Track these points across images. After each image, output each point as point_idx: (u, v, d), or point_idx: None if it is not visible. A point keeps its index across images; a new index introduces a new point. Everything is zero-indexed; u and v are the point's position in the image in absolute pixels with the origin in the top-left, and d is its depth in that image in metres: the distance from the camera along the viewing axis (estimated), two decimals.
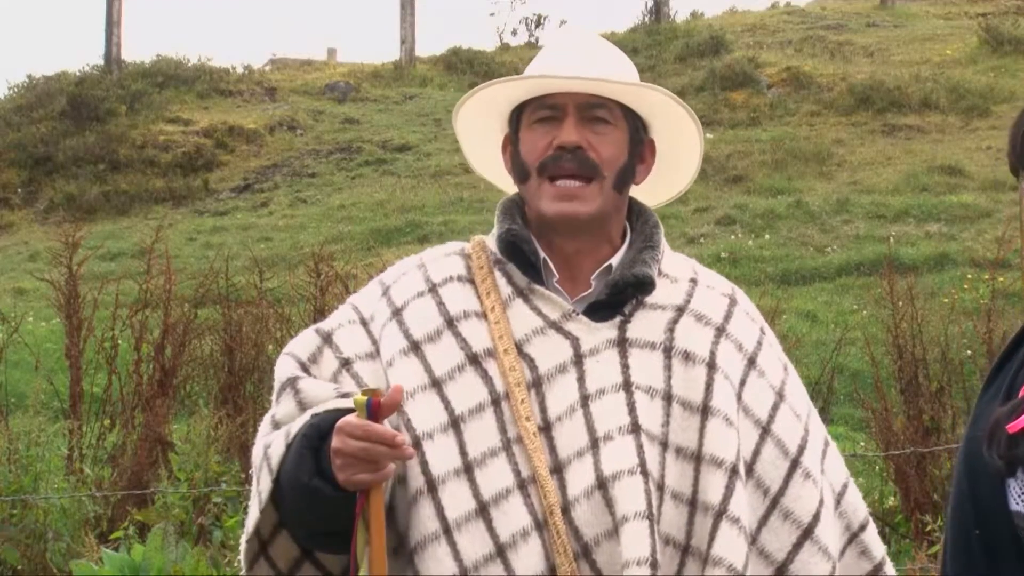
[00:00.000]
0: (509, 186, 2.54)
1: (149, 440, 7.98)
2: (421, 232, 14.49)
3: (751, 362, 2.43)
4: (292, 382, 2.38)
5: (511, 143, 2.48)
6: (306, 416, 2.32)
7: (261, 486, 2.33)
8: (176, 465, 7.42)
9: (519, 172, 2.44)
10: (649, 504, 2.26)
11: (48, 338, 11.13)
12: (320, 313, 8.35)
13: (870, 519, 2.53)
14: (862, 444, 9.14)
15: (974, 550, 2.10)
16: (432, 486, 2.28)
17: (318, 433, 2.26)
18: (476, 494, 2.27)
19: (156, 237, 9.14)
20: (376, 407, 2.21)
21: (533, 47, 23.07)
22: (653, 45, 20.75)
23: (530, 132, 2.42)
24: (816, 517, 2.39)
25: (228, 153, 18.35)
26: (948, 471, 7.64)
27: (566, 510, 2.26)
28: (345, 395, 2.33)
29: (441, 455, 2.28)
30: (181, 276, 9.51)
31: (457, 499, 2.27)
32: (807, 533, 2.38)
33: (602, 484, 2.27)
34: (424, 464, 2.28)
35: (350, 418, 2.22)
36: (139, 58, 20.66)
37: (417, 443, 2.29)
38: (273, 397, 2.43)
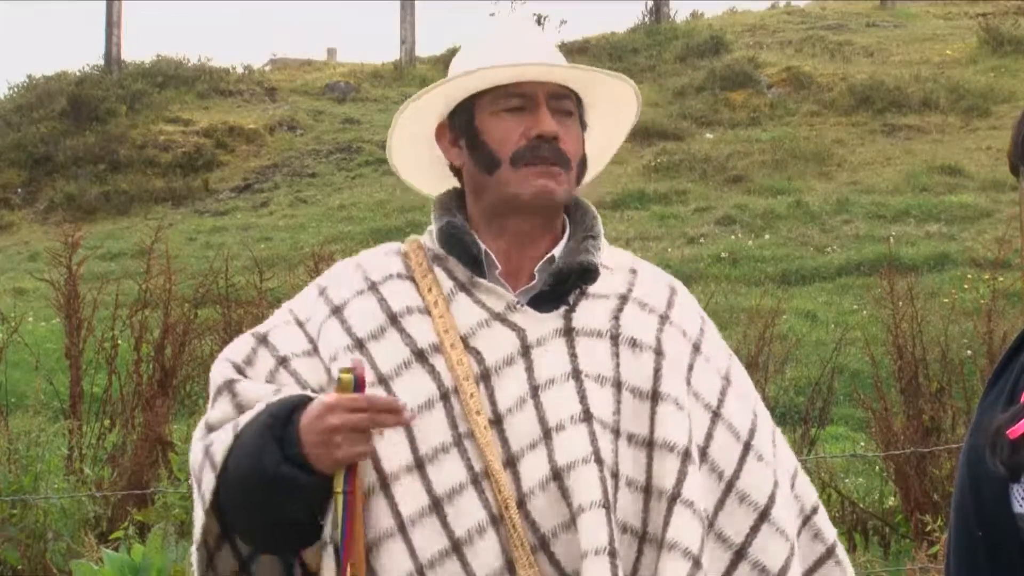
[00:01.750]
0: (432, 188, 2.53)
1: (149, 440, 7.99)
2: (421, 232, 14.45)
3: (696, 348, 2.42)
4: (228, 385, 2.35)
5: (457, 133, 2.43)
6: (251, 412, 2.29)
7: (204, 487, 2.30)
8: (176, 465, 7.42)
9: (485, 162, 2.39)
10: (605, 493, 2.25)
11: (48, 338, 11.13)
12: None
13: (820, 503, 2.52)
14: (862, 444, 9.15)
15: (977, 553, 2.10)
16: (385, 483, 2.26)
17: (280, 422, 2.23)
18: (429, 490, 2.25)
19: (156, 237, 9.13)
20: (362, 382, 2.20)
21: None
22: (653, 45, 20.76)
23: (496, 120, 2.38)
24: (772, 499, 2.39)
25: (228, 153, 18.36)
26: (948, 471, 7.64)
27: (521, 503, 2.25)
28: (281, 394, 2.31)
29: (392, 451, 2.26)
30: (181, 276, 9.51)
31: (410, 495, 2.25)
32: (764, 515, 2.37)
33: (557, 475, 2.25)
34: (376, 460, 2.26)
35: (341, 395, 2.20)
36: (139, 58, 20.69)
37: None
38: (209, 403, 2.40)
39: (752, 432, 2.42)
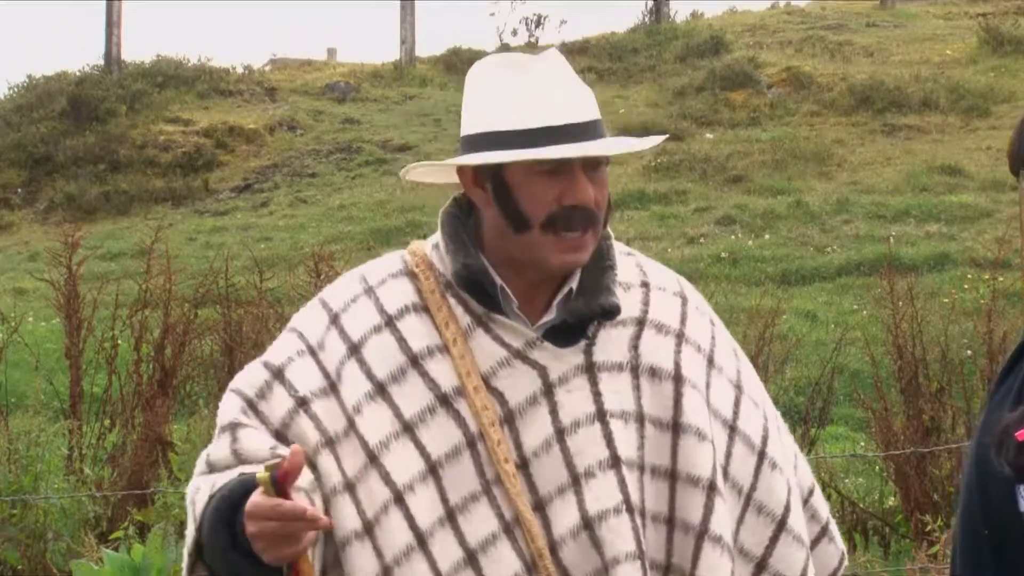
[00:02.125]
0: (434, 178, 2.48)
1: (149, 440, 7.98)
2: (421, 232, 14.47)
3: (710, 362, 2.40)
4: (233, 428, 2.31)
5: (490, 180, 2.33)
6: (225, 478, 2.25)
7: (188, 529, 2.30)
8: (176, 465, 7.42)
9: (514, 221, 2.30)
10: (638, 543, 2.24)
11: (48, 338, 11.13)
12: None
13: (815, 482, 2.53)
14: (862, 444, 9.14)
15: (983, 552, 2.10)
16: (422, 540, 2.23)
17: (228, 505, 2.20)
18: (462, 542, 2.23)
19: (156, 237, 9.13)
20: (283, 479, 2.12)
21: (533, 47, 23.07)
22: (653, 45, 20.74)
23: (529, 181, 2.29)
24: (787, 508, 2.39)
25: (228, 153, 18.35)
26: (948, 471, 7.64)
27: (553, 551, 2.23)
28: (278, 456, 2.24)
29: (424, 505, 2.23)
30: (181, 276, 9.50)
31: (446, 551, 2.23)
32: (781, 525, 2.38)
33: (588, 524, 2.23)
34: (411, 519, 2.23)
35: (258, 500, 2.13)
36: (139, 58, 20.66)
37: (400, 497, 2.24)
38: (215, 432, 2.36)
39: (765, 439, 2.41)
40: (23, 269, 14.58)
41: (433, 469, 2.25)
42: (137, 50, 48.61)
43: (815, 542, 2.49)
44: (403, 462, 2.25)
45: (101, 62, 20.12)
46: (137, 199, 17.41)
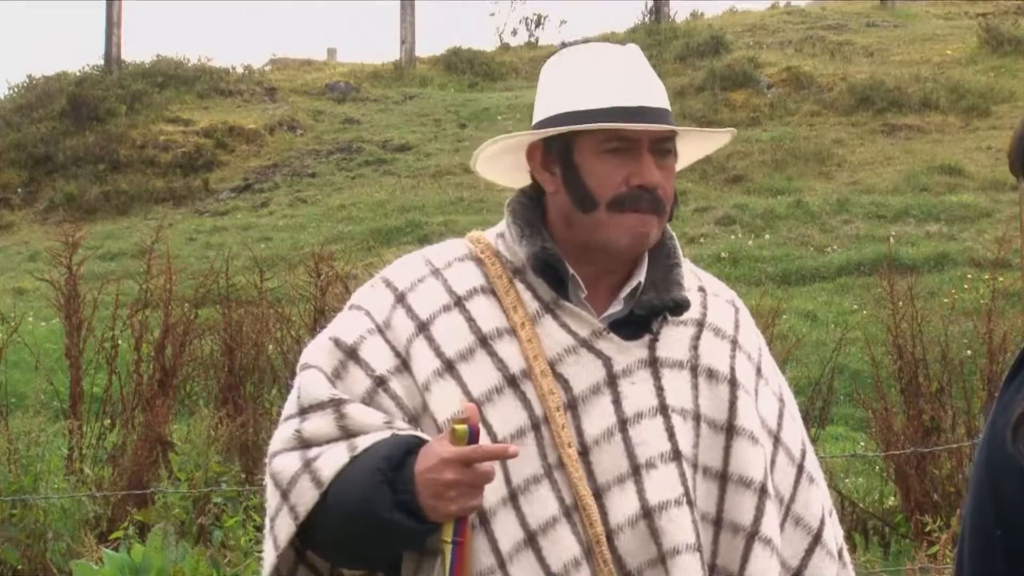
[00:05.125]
0: (513, 182, 2.48)
1: (149, 440, 7.98)
2: (421, 232, 14.48)
3: (758, 371, 2.43)
4: (336, 404, 2.28)
5: (552, 158, 2.37)
6: (369, 440, 2.24)
7: (295, 499, 2.25)
8: (176, 465, 7.42)
9: (581, 200, 2.33)
10: (697, 536, 2.26)
11: (48, 338, 11.13)
12: (320, 313, 8.36)
13: (833, 508, 2.55)
14: (862, 444, 9.14)
15: (995, 550, 2.08)
16: (484, 518, 2.24)
17: (391, 465, 2.19)
18: (524, 523, 2.24)
19: (156, 237, 9.13)
20: (477, 434, 2.17)
21: (533, 47, 23.08)
22: (653, 45, 20.74)
23: (598, 160, 2.32)
24: (822, 522, 2.43)
25: (228, 153, 18.35)
26: (948, 471, 7.64)
27: (609, 538, 2.25)
28: (396, 429, 2.26)
29: (489, 485, 2.22)
30: (181, 276, 9.49)
31: (507, 529, 2.24)
32: (817, 538, 2.41)
33: (647, 513, 2.25)
34: None
35: (456, 447, 2.16)
36: (139, 58, 20.68)
37: None
38: (292, 407, 2.33)
39: (803, 453, 2.44)
40: (23, 269, 14.58)
41: None
42: (137, 50, 48.68)
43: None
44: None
45: (101, 62, 20.13)
46: (137, 199, 17.41)
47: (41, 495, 7.27)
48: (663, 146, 2.35)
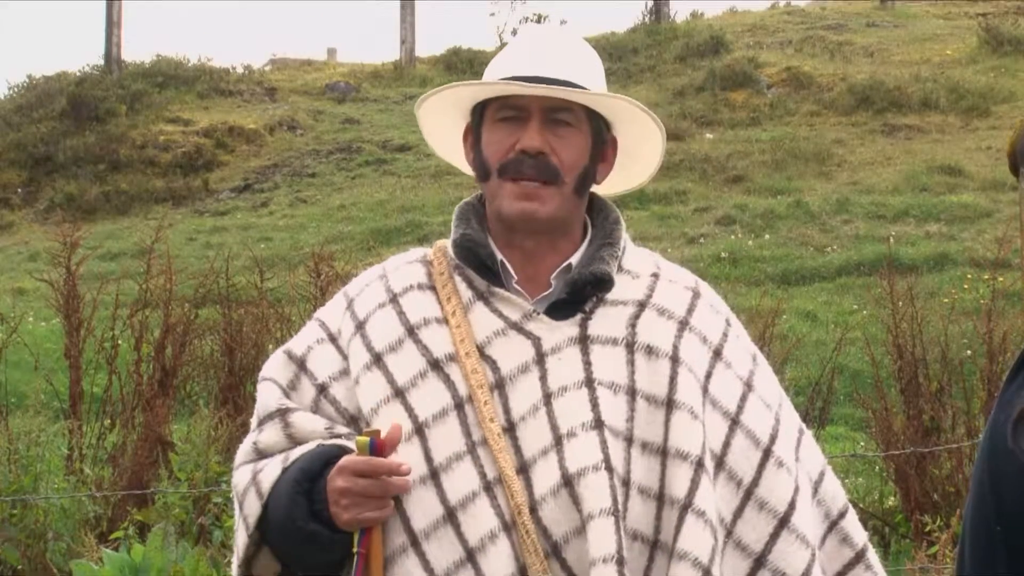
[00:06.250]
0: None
1: (149, 440, 7.98)
2: (421, 232, 14.48)
3: (716, 354, 2.41)
4: (282, 414, 2.37)
5: (472, 135, 2.46)
6: (300, 451, 2.32)
7: (246, 511, 2.35)
8: (176, 465, 7.42)
9: (480, 170, 2.43)
10: (615, 500, 2.25)
11: (48, 338, 11.13)
12: None
13: (850, 506, 2.51)
14: (862, 444, 9.14)
15: (995, 548, 2.08)
16: (398, 499, 2.28)
17: (307, 476, 2.27)
18: (443, 500, 2.26)
19: (156, 237, 9.13)
20: (379, 447, 2.22)
21: None
22: (653, 45, 20.74)
23: (493, 130, 2.40)
24: (792, 505, 2.37)
25: (228, 153, 18.35)
26: (948, 471, 7.64)
27: (533, 509, 2.26)
28: (335, 435, 2.33)
29: (409, 465, 2.27)
30: (181, 276, 9.49)
31: (424, 507, 2.27)
32: (783, 522, 2.36)
33: (568, 481, 2.26)
34: None
35: (353, 457, 2.23)
36: (139, 58, 20.69)
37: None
38: (253, 420, 2.42)
39: (773, 438, 2.41)
40: (23, 269, 14.58)
41: (419, 430, 2.29)
42: (137, 50, 48.64)
43: (848, 567, 2.46)
44: (390, 423, 2.29)
45: (101, 62, 20.13)
46: (137, 199, 17.41)
47: (41, 495, 7.27)
48: (556, 116, 2.39)
